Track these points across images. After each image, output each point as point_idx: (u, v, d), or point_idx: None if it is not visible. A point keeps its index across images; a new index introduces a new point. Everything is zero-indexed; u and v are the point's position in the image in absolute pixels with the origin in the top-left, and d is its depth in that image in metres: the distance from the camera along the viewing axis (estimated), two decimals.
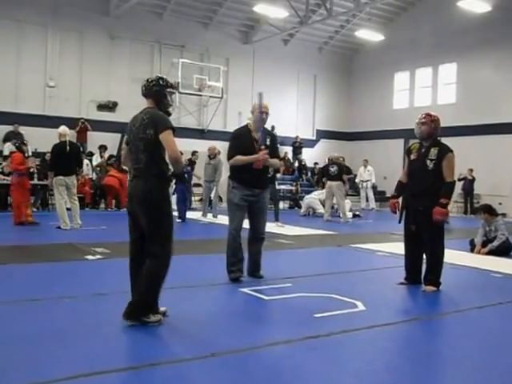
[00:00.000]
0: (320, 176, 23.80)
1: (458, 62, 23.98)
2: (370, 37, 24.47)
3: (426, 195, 6.46)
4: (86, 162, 17.43)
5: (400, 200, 6.94)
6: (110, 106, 21.55)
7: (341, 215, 16.29)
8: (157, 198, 4.77)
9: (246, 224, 6.89)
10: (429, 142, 6.65)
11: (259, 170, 6.71)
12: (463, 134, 22.67)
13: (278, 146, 7.86)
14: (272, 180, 13.46)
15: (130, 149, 4.93)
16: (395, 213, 6.96)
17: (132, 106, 21.17)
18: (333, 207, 17.12)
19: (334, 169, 16.21)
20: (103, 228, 12.32)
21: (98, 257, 8.25)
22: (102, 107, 21.49)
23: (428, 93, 25.45)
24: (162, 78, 5.03)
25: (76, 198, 12.02)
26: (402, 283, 6.87)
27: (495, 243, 9.87)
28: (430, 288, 6.58)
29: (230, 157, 6.77)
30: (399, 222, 6.93)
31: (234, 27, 24.88)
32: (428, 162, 6.51)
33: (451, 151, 6.57)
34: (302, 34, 25.58)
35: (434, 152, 6.53)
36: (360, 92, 28.32)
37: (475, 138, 22.42)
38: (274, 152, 6.99)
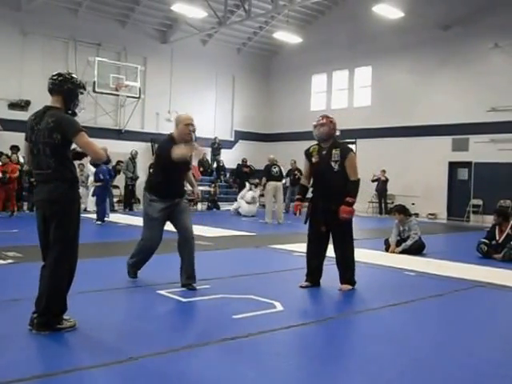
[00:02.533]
0: (235, 176, 23.95)
1: (373, 65, 24.57)
2: (288, 39, 24.68)
3: (336, 196, 6.52)
4: None
5: (306, 203, 7.00)
6: (23, 105, 20.71)
7: (277, 216, 16.73)
8: (67, 201, 4.57)
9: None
10: (328, 144, 6.71)
11: (178, 181, 6.57)
12: (378, 136, 23.30)
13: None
14: None
15: (32, 150, 4.62)
16: (295, 214, 7.05)
17: (46, 104, 20.83)
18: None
19: (276, 169, 16.75)
20: (15, 231, 11.87)
21: (10, 261, 7.90)
22: (14, 106, 20.64)
23: (344, 95, 25.94)
24: (74, 76, 4.81)
25: None
26: (305, 286, 6.79)
27: (408, 242, 10.15)
28: (347, 286, 6.68)
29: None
30: (305, 222, 6.93)
31: (152, 26, 24.56)
32: (333, 163, 6.57)
33: (352, 151, 6.76)
34: (220, 34, 25.56)
35: (336, 153, 6.60)
36: (278, 93, 28.57)
37: (389, 140, 23.03)
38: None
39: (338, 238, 6.72)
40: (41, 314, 4.49)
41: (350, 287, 6.68)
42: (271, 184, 16.61)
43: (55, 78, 4.74)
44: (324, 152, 6.69)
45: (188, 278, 6.47)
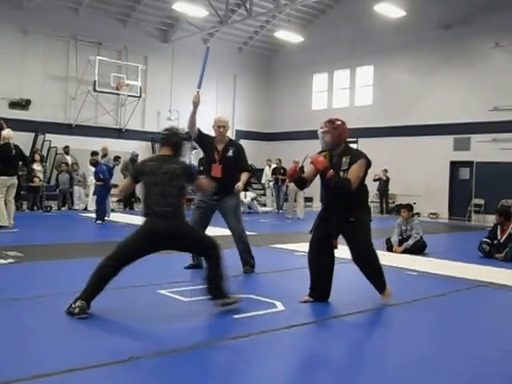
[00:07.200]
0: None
1: (374, 64, 24.57)
2: (289, 38, 24.68)
3: (354, 207, 5.79)
4: None
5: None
6: (23, 104, 20.74)
7: (298, 212, 18.43)
8: (187, 231, 5.54)
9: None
10: (339, 151, 5.89)
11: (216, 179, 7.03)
12: (379, 135, 23.29)
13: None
14: None
15: (152, 191, 5.32)
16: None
17: (46, 103, 20.89)
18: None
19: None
20: (15, 231, 11.83)
21: (10, 261, 7.86)
22: (14, 105, 20.65)
23: (346, 94, 25.94)
24: (180, 131, 5.66)
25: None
26: (306, 301, 5.95)
27: (410, 242, 10.15)
28: (387, 297, 5.98)
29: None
30: (310, 232, 6.16)
31: (153, 25, 24.57)
32: (341, 173, 5.74)
33: (365, 157, 5.85)
34: (221, 33, 25.56)
35: (345, 162, 5.75)
36: (279, 93, 28.56)
37: (390, 139, 23.03)
38: (237, 164, 7.41)
39: (358, 249, 5.83)
40: (212, 288, 5.49)
41: (389, 295, 5.95)
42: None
43: (164, 133, 5.61)
44: (335, 160, 5.83)
45: (244, 265, 7.89)
